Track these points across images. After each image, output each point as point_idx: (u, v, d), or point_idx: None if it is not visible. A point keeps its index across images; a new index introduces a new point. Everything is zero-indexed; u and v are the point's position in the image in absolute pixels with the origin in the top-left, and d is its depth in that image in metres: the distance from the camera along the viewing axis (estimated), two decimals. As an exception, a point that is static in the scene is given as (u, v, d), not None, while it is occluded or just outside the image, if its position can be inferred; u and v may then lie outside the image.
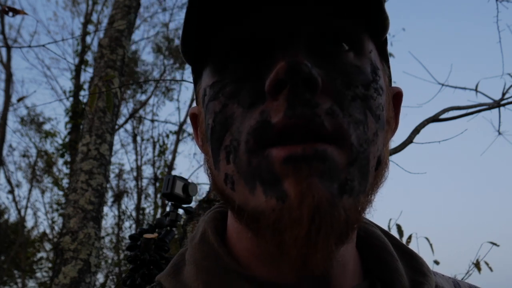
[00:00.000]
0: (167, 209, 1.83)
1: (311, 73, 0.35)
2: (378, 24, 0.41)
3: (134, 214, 10.77)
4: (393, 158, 2.49)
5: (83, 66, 9.23)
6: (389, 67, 0.47)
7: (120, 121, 10.53)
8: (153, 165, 10.95)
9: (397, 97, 0.48)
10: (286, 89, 0.35)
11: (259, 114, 0.36)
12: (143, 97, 11.19)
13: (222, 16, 0.39)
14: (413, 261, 0.47)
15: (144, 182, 11.06)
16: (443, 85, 3.05)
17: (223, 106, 0.39)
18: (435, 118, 2.71)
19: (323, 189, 0.34)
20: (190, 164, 13.94)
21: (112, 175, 10.63)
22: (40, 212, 14.84)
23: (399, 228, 2.49)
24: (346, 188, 0.35)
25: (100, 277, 10.23)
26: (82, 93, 8.99)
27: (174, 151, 10.84)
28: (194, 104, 0.49)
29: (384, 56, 0.45)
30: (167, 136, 10.83)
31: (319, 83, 0.35)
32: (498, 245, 2.45)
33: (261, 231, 0.36)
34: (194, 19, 0.39)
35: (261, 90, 0.37)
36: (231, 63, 0.40)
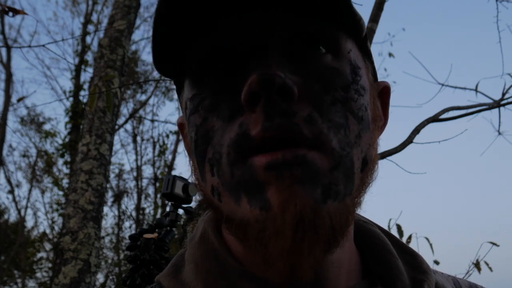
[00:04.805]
0: (167, 209, 1.83)
1: (284, 83, 0.35)
2: (353, 25, 0.41)
3: (134, 214, 10.77)
4: (393, 158, 2.50)
5: (83, 66, 9.23)
6: (372, 63, 0.46)
7: (120, 121, 10.54)
8: (153, 165, 10.95)
9: (384, 91, 0.47)
10: (261, 101, 0.35)
11: (238, 127, 0.37)
12: (143, 97, 11.20)
13: (192, 29, 0.39)
14: (412, 259, 0.47)
15: (144, 182, 11.07)
16: (443, 85, 3.05)
17: (204, 120, 0.39)
18: (435, 118, 2.71)
19: (305, 196, 0.34)
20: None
21: (112, 175, 10.63)
22: (40, 212, 14.87)
23: (399, 228, 2.49)
24: (330, 192, 0.35)
25: (100, 277, 10.24)
26: (82, 93, 8.99)
27: (174, 151, 10.84)
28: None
29: (366, 53, 0.45)
30: (167, 136, 10.84)
31: (294, 92, 0.35)
32: (498, 245, 2.45)
33: (248, 242, 0.36)
34: (161, 35, 0.39)
35: (239, 103, 0.37)
36: (207, 75, 0.40)
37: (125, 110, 10.94)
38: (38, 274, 11.23)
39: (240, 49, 0.38)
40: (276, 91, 0.35)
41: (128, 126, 11.74)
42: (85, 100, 7.85)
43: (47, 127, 12.45)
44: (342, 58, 0.40)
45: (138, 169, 10.98)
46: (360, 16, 0.40)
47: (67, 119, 8.46)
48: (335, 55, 0.40)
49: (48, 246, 11.04)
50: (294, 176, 0.34)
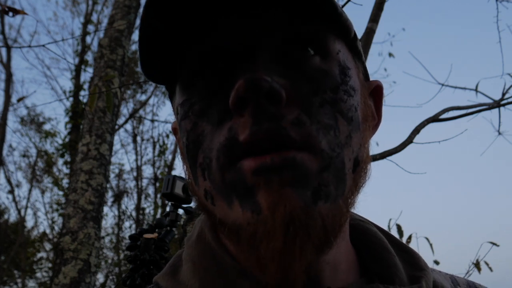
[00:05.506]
0: (167, 209, 1.83)
1: (271, 87, 0.35)
2: (340, 26, 0.41)
3: (134, 214, 10.78)
4: (393, 158, 2.49)
5: (83, 66, 9.24)
6: (363, 63, 0.46)
7: (120, 121, 10.54)
8: (153, 165, 10.95)
9: (376, 91, 0.48)
10: (249, 105, 0.35)
11: (227, 131, 0.37)
12: (143, 97, 11.20)
13: (181, 36, 0.39)
14: (410, 257, 0.47)
15: (144, 182, 11.07)
16: (443, 85, 3.05)
17: (194, 125, 0.40)
18: (435, 118, 2.71)
19: (295, 197, 0.34)
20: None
21: (112, 175, 10.63)
22: (40, 212, 14.89)
23: (399, 228, 2.49)
24: (320, 194, 0.35)
25: (100, 277, 10.24)
26: (82, 93, 8.99)
27: (174, 151, 10.84)
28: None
29: (356, 53, 0.45)
30: (167, 136, 10.84)
31: (282, 96, 0.35)
32: (498, 245, 2.45)
33: (241, 245, 0.36)
34: (146, 43, 0.40)
35: (228, 107, 0.37)
36: (197, 80, 0.40)
37: (125, 110, 10.95)
38: (38, 274, 11.25)
39: (229, 53, 0.39)
40: (263, 95, 0.35)
41: (128, 126, 11.77)
42: (85, 100, 7.86)
43: (47, 127, 12.49)
44: (331, 59, 0.40)
45: (138, 169, 10.99)
46: (347, 17, 0.41)
47: (67, 119, 8.47)
48: (324, 57, 0.40)
49: (48, 246, 11.06)
50: (283, 179, 0.34)
